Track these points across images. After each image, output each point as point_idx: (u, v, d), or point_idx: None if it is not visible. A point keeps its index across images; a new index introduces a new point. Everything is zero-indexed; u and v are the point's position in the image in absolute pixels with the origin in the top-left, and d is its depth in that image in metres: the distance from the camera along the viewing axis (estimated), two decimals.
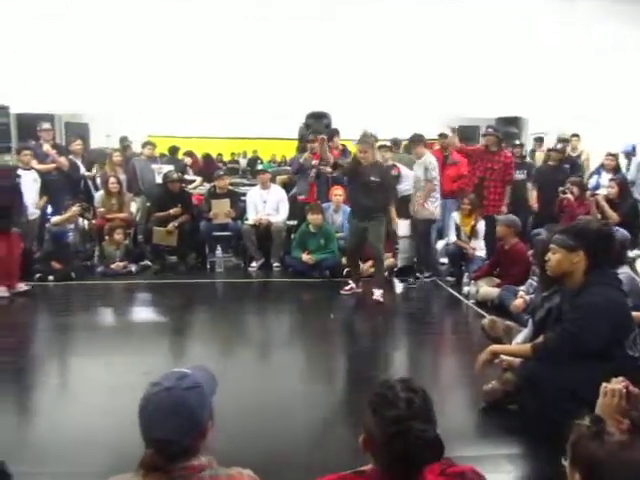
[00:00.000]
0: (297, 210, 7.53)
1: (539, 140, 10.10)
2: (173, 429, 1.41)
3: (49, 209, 7.42)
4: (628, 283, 4.18)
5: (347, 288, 6.13)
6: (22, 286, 6.08)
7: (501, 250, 5.74)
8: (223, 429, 1.53)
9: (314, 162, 7.36)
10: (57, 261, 6.63)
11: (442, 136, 7.64)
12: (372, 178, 5.58)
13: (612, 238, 2.84)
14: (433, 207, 6.42)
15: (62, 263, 6.64)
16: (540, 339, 2.92)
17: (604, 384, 1.78)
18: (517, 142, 8.98)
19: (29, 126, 8.03)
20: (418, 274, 6.74)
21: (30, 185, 6.62)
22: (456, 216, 6.72)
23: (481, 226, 6.41)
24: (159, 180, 7.90)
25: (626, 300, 2.84)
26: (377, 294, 5.78)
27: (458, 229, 6.67)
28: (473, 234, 6.50)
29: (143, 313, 5.95)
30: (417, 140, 6.62)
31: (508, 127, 10.66)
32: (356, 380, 4.06)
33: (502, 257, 5.71)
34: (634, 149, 7.77)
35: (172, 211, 7.26)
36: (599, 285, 2.74)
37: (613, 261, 2.88)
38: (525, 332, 3.35)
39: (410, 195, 6.82)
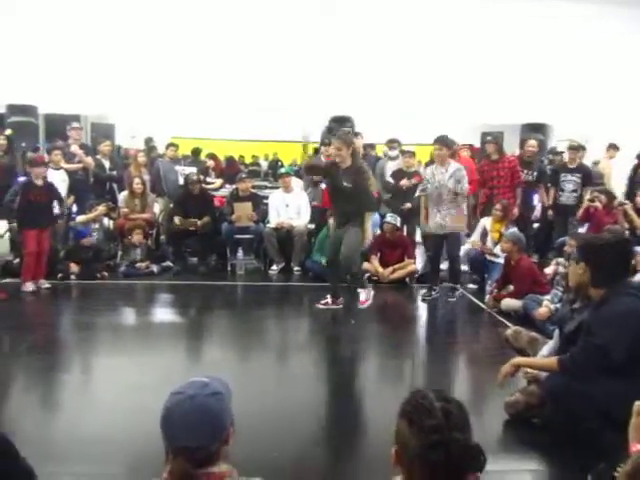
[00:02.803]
0: (312, 215, 7.53)
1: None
2: (201, 435, 1.43)
3: (74, 208, 7.53)
4: None
5: (323, 302, 5.60)
6: (44, 282, 6.17)
7: (508, 264, 5.78)
8: (238, 435, 1.52)
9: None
10: (76, 263, 6.69)
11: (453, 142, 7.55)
12: (345, 184, 5.13)
13: (618, 253, 2.80)
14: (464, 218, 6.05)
15: (80, 264, 6.69)
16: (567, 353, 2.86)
17: (637, 402, 1.72)
18: (558, 150, 8.96)
19: (56, 126, 8.17)
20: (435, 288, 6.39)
21: (59, 185, 6.72)
22: (486, 221, 6.66)
23: (509, 231, 6.31)
24: (182, 181, 7.96)
25: None
26: (362, 298, 5.37)
27: (485, 234, 6.61)
28: (501, 240, 6.41)
29: (163, 314, 6.00)
30: (445, 144, 5.91)
31: (533, 134, 10.53)
32: (375, 389, 4.02)
33: (510, 271, 5.75)
34: None
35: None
36: (620, 295, 2.73)
37: (623, 274, 2.84)
38: (551, 344, 3.28)
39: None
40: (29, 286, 6.06)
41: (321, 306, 5.58)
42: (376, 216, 7.27)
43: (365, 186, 5.19)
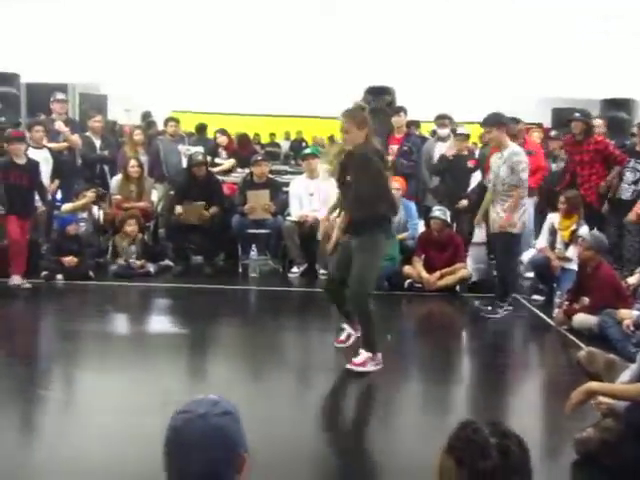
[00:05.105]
0: None
1: None
2: (214, 460, 1.46)
3: (59, 195, 7.69)
4: None
5: (342, 339, 5.03)
6: (24, 282, 6.34)
7: (584, 271, 5.72)
8: (250, 466, 1.55)
9: None
10: (69, 255, 6.78)
11: (513, 121, 7.50)
12: (348, 177, 4.55)
13: None
14: (518, 219, 5.88)
15: (76, 257, 6.80)
16: None
17: None
18: (634, 130, 8.79)
19: (40, 98, 8.34)
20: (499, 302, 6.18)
21: (41, 166, 6.88)
22: (554, 218, 6.61)
23: (584, 230, 6.26)
24: (186, 164, 8.05)
25: None
26: (359, 358, 4.53)
27: (554, 234, 6.54)
28: (573, 240, 6.34)
29: (161, 323, 6.09)
30: (495, 123, 5.82)
31: (615, 111, 10.37)
32: (414, 420, 4.04)
33: (586, 280, 5.69)
34: None
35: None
36: None
37: None
38: (633, 368, 3.26)
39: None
40: (16, 280, 6.28)
41: (339, 344, 5.04)
42: (411, 206, 7.27)
43: (369, 181, 4.41)
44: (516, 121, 7.28)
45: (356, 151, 4.48)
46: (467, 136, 7.64)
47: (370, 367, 4.51)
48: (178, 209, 7.35)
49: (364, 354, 4.53)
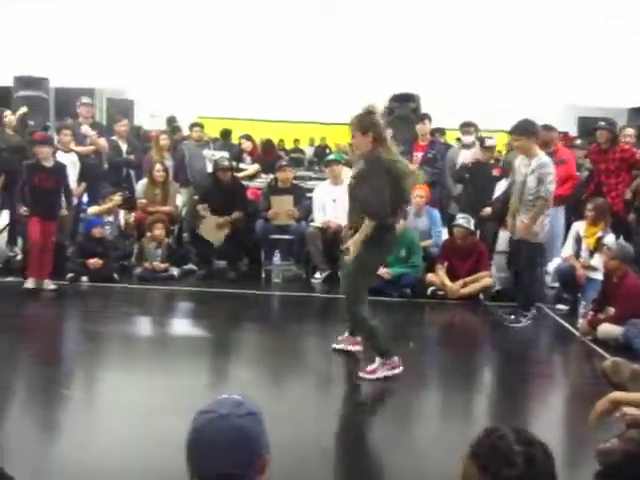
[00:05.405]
0: None
1: None
2: (236, 462, 1.46)
3: (85, 198, 7.81)
4: None
5: (357, 347, 4.99)
6: (49, 283, 6.44)
7: (609, 281, 5.67)
8: (272, 467, 1.57)
9: None
10: (94, 257, 6.86)
11: (547, 128, 7.46)
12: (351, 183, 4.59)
13: None
14: (542, 229, 5.88)
15: (101, 259, 6.88)
16: None
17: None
18: None
19: (68, 102, 8.49)
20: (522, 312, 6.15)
21: (68, 169, 6.99)
22: (580, 226, 6.56)
23: (610, 239, 6.20)
24: (210, 169, 8.12)
25: None
26: (371, 366, 4.51)
27: (579, 242, 6.49)
28: (598, 248, 6.28)
29: (184, 326, 6.15)
30: (525, 132, 5.79)
31: None
32: (436, 427, 4.04)
33: (611, 290, 5.64)
34: None
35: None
36: None
37: None
38: None
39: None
40: (29, 283, 6.37)
41: (339, 346, 5.09)
42: (435, 214, 7.26)
43: (363, 189, 4.37)
44: (549, 128, 7.21)
45: (362, 158, 4.49)
46: (493, 148, 7.62)
47: (382, 373, 4.48)
48: (200, 207, 7.38)
49: (377, 361, 4.53)
